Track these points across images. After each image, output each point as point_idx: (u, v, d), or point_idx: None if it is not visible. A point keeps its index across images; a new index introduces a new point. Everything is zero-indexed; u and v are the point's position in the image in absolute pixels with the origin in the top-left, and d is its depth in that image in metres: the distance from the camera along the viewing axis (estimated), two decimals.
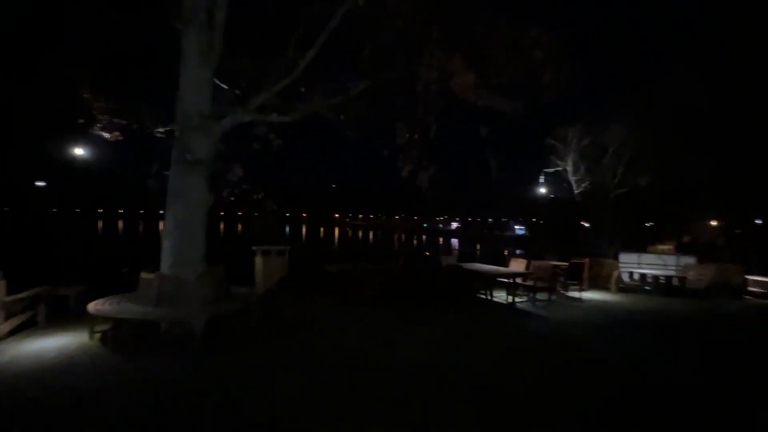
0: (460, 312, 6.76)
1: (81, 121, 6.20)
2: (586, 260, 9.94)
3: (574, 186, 11.73)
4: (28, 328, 5.22)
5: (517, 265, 8.65)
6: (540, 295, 8.03)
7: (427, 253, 12.23)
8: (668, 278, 9.97)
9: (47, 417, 3.07)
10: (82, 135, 6.83)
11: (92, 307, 4.70)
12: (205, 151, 5.29)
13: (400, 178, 7.13)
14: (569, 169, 11.72)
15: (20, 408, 3.19)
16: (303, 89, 6.24)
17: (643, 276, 10.47)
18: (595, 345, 5.48)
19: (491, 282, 7.39)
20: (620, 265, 10.45)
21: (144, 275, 5.02)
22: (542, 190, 12.22)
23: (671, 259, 11.28)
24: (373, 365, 4.25)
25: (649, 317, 7.28)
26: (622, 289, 9.90)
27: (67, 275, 6.81)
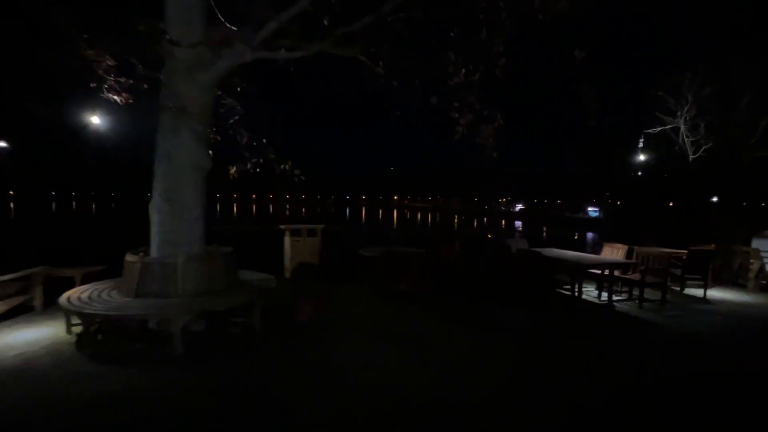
0: (535, 315, 5.00)
1: (93, 84, 5.43)
2: (712, 247, 7.43)
3: (689, 150, 8.91)
4: (24, 313, 4.62)
5: (614, 252, 6.54)
6: (648, 294, 5.92)
7: (489, 235, 10.35)
8: None
9: None
10: (91, 100, 6.11)
11: (64, 297, 3.84)
12: (195, 99, 4.11)
13: (453, 141, 5.44)
14: (682, 127, 8.90)
15: None
16: (325, 21, 4.80)
17: None
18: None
19: (580, 273, 5.47)
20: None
21: (128, 258, 4.06)
22: (641, 158, 9.55)
23: None
24: (399, 401, 2.80)
25: None
26: (765, 287, 7.26)
27: (80, 256, 6.28)
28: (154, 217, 4.14)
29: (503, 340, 4.15)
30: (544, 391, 3.03)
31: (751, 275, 7.35)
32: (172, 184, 4.10)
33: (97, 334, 3.87)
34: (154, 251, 4.13)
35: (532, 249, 5.93)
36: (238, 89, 6.45)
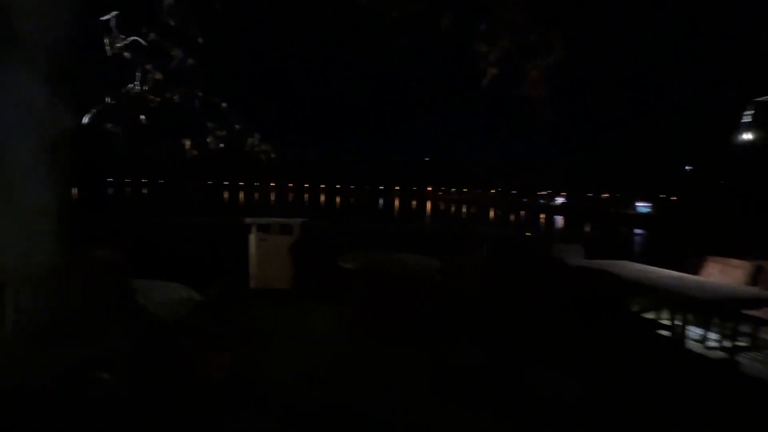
0: (609, 380, 2.99)
1: None
2: None
3: None
4: None
5: (726, 272, 4.32)
6: None
7: (528, 234, 8.23)
8: None
9: None
10: None
11: None
12: (32, 9, 2.46)
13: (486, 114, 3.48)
14: None
15: None
16: None
17: None
18: None
19: (690, 311, 3.33)
20: None
21: None
22: (746, 136, 6.97)
23: None
24: None
25: None
26: None
27: None
28: None
29: None
30: None
31: None
32: None
33: None
34: None
35: (598, 268, 3.87)
36: (199, 40, 4.86)
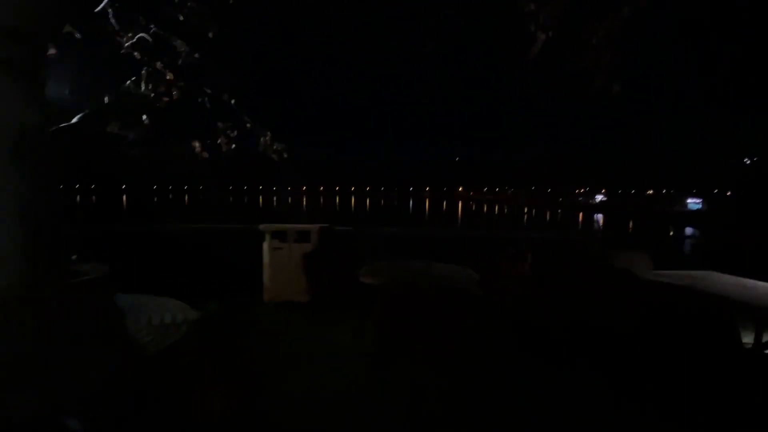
0: None
1: None
2: None
3: None
4: None
5: None
6: None
7: (575, 238, 7.37)
8: None
9: None
10: None
11: None
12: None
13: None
14: None
15: None
16: None
17: None
18: None
19: None
20: None
21: None
22: None
23: None
24: None
25: None
26: None
27: None
28: None
29: None
30: None
31: None
32: None
33: None
34: None
35: (680, 282, 3.06)
36: (209, 34, 4.51)
